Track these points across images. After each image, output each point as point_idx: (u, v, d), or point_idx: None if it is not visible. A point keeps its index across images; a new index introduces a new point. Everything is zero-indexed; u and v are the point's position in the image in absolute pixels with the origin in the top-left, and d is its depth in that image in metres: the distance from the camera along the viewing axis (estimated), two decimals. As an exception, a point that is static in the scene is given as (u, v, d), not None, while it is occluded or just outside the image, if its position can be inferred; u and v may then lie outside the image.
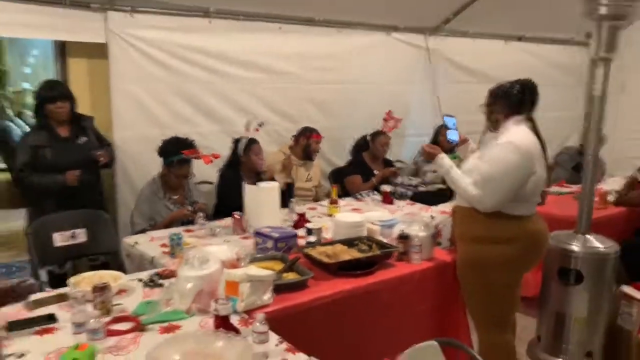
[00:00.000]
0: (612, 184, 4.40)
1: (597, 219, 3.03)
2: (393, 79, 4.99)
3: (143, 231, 3.12)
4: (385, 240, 2.66)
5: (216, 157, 3.36)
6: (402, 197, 3.94)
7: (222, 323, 1.75)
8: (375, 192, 4.03)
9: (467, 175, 2.37)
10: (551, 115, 4.81)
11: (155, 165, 3.74)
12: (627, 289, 3.08)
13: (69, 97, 3.22)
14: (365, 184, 4.17)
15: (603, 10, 2.71)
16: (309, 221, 3.11)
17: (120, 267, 3.00)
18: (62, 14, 3.40)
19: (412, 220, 2.66)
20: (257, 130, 3.62)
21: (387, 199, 3.80)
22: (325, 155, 4.74)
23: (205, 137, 3.96)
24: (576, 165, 4.94)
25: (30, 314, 1.95)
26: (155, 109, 3.84)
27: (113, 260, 3.06)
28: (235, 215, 2.99)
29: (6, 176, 5.91)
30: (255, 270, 2.08)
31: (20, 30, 3.43)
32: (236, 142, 3.64)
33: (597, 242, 2.92)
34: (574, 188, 4.40)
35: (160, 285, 2.22)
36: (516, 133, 2.30)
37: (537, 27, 5.62)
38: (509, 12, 5.03)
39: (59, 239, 2.92)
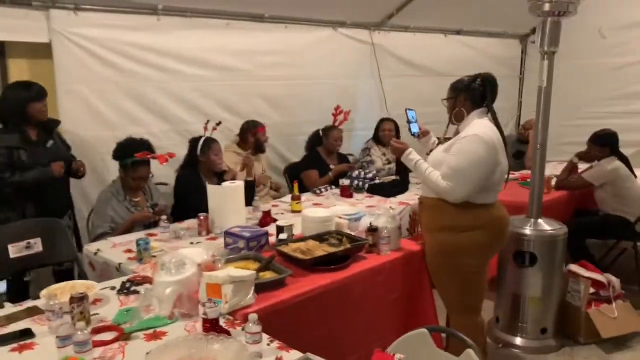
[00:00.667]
0: (550, 169, 4.66)
1: (542, 202, 3.22)
2: (341, 74, 5.07)
3: (103, 235, 3.03)
4: (353, 234, 2.72)
5: (171, 156, 3.30)
6: (358, 189, 4.01)
7: (212, 326, 1.75)
8: (333, 187, 4.10)
9: (435, 168, 2.46)
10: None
11: (106, 167, 3.66)
12: (574, 268, 3.32)
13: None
14: (322, 178, 4.22)
15: (547, 7, 2.89)
16: (274, 219, 3.13)
17: (81, 275, 2.92)
18: (1, 13, 3.22)
19: (379, 212, 2.73)
20: (214, 129, 3.58)
21: (346, 192, 3.86)
22: (278, 150, 4.77)
23: (157, 136, 3.89)
24: (516, 152, 5.20)
25: (2, 330, 1.86)
26: (103, 109, 3.72)
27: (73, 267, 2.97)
28: (200, 216, 2.95)
29: None
30: (234, 271, 2.08)
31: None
32: (194, 141, 3.58)
33: (547, 225, 3.11)
34: (517, 174, 4.64)
35: (135, 292, 2.18)
36: (480, 126, 2.41)
37: (474, 21, 5.86)
38: (448, 7, 5.22)
39: (13, 251, 2.78)
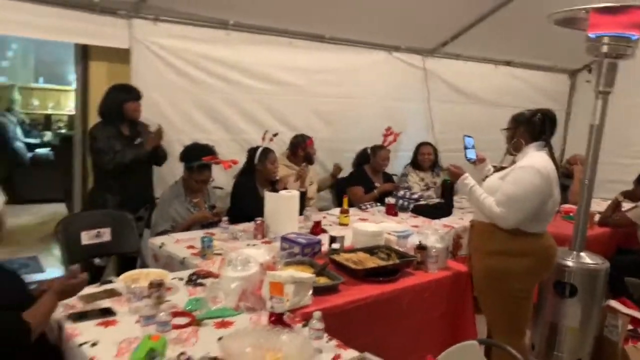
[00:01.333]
0: (593, 206, 4.69)
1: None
2: (392, 96, 5.23)
3: (164, 232, 3.24)
4: (401, 250, 2.86)
5: (235, 162, 3.54)
6: (403, 209, 4.14)
7: (278, 320, 1.92)
8: (378, 204, 4.24)
9: (489, 194, 2.59)
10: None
11: (169, 168, 3.88)
12: (614, 303, 3.36)
13: None
14: (367, 195, 4.37)
15: (604, 49, 2.98)
16: (324, 230, 3.29)
17: (143, 267, 3.13)
18: (90, 19, 3.50)
19: (428, 232, 2.86)
20: (271, 140, 3.79)
21: (391, 210, 4.00)
22: (325, 165, 4.94)
23: (216, 144, 4.03)
24: (560, 186, 5.23)
25: (87, 307, 2.07)
26: (171, 114, 3.96)
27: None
28: (257, 221, 3.14)
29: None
30: (296, 272, 2.25)
31: (47, 33, 3.47)
32: (252, 151, 3.79)
33: (589, 259, 3.18)
34: (560, 208, 4.69)
35: (201, 284, 2.36)
36: (537, 158, 2.54)
37: (524, 54, 5.96)
38: (500, 39, 5.35)
39: (86, 238, 3.02)
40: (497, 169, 2.76)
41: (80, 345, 1.79)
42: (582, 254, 3.20)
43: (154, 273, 2.34)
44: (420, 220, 3.91)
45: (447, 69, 5.56)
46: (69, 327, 1.91)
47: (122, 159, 3.37)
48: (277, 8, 4.02)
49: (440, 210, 4.08)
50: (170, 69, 3.89)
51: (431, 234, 2.83)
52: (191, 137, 3.98)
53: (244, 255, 2.29)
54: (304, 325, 2.00)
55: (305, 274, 2.27)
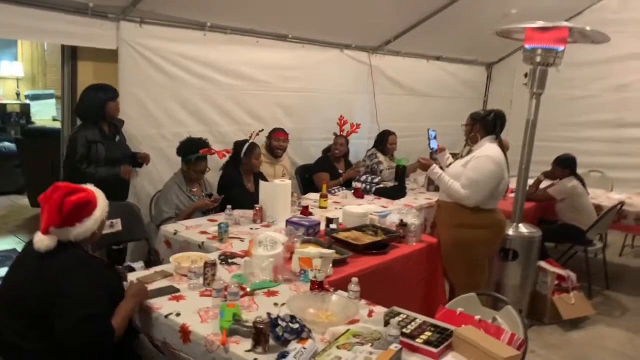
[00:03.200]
0: (514, 183, 5.51)
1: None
2: (343, 89, 5.79)
3: (168, 219, 3.56)
4: (384, 227, 3.41)
5: (228, 152, 3.92)
6: (365, 192, 4.70)
7: (319, 286, 2.40)
8: (344, 188, 4.78)
9: (453, 179, 3.21)
10: (457, 123, 5.89)
11: (152, 162, 4.16)
12: (543, 264, 4.16)
13: None
14: (333, 181, 4.89)
15: (538, 59, 3.68)
16: (311, 213, 3.78)
17: (151, 252, 3.46)
18: (80, 22, 3.70)
19: (405, 211, 3.44)
20: (257, 134, 4.18)
21: (358, 194, 4.56)
22: (288, 153, 5.39)
23: (193, 136, 4.42)
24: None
25: (152, 287, 2.42)
26: (154, 110, 4.24)
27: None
28: (256, 207, 3.56)
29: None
30: (319, 248, 2.73)
31: (40, 35, 3.66)
32: (238, 144, 4.16)
33: (526, 229, 3.92)
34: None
35: (234, 263, 2.78)
36: (491, 149, 3.21)
37: (451, 50, 6.74)
38: (433, 38, 6.05)
39: (101, 228, 3.29)
40: (459, 156, 3.39)
41: (167, 316, 2.17)
42: (520, 225, 3.94)
43: (195, 255, 2.72)
44: (384, 201, 4.50)
45: (388, 65, 6.20)
46: (147, 303, 2.27)
47: (93, 175, 3.38)
48: (248, 11, 4.40)
49: (397, 192, 4.68)
50: (153, 68, 4.16)
51: (408, 212, 3.41)
52: (171, 131, 4.32)
53: (270, 237, 2.74)
54: (335, 290, 2.49)
55: (326, 250, 2.75)
